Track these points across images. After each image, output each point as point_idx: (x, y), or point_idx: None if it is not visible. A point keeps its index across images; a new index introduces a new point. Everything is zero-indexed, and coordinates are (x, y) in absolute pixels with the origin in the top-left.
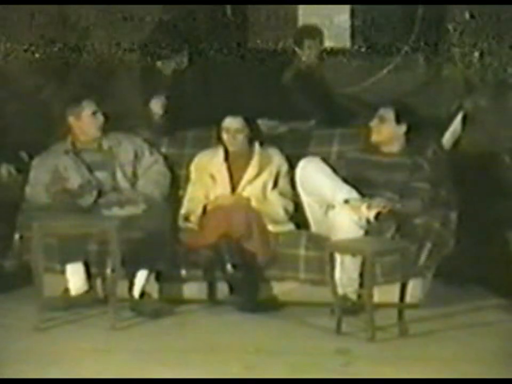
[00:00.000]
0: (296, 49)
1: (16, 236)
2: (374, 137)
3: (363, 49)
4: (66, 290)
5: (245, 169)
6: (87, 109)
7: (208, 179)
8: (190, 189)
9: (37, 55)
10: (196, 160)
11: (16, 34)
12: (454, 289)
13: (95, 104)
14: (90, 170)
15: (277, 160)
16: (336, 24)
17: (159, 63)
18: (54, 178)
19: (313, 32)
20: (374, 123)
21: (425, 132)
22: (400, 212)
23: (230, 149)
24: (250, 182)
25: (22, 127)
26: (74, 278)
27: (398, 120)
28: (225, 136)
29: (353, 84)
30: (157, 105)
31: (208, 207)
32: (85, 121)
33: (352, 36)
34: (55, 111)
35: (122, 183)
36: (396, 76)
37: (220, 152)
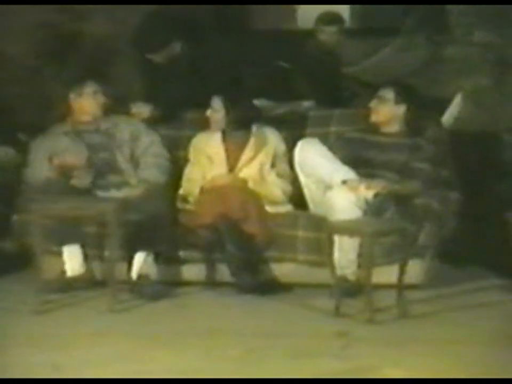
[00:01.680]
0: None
1: (15, 218)
2: (373, 118)
3: (362, 29)
4: (63, 272)
5: (242, 150)
6: (89, 87)
7: (206, 160)
8: (187, 169)
9: (36, 37)
10: (194, 141)
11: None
12: (454, 270)
13: (97, 85)
14: (90, 151)
15: (274, 140)
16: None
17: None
18: (52, 159)
19: (334, 19)
20: (373, 103)
21: (426, 112)
22: (400, 192)
23: (213, 128)
24: (247, 163)
25: (20, 108)
26: (71, 260)
27: (398, 101)
28: (209, 116)
29: (354, 64)
30: (138, 110)
31: (205, 187)
32: (86, 99)
33: (351, 15)
34: (55, 92)
35: (122, 164)
36: (396, 56)
37: (218, 134)
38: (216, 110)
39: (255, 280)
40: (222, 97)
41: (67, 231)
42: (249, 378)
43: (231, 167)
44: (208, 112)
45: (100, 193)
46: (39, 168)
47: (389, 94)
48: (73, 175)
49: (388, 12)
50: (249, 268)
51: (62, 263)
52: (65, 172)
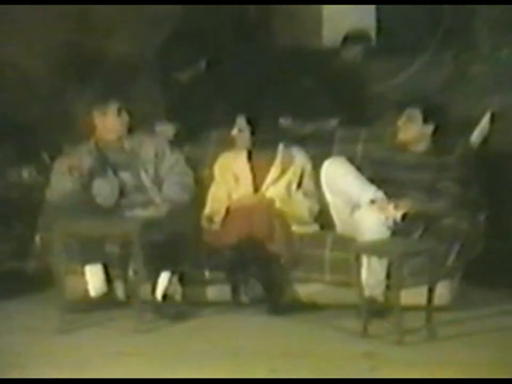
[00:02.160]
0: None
1: (37, 238)
2: (401, 136)
3: (389, 47)
4: (86, 292)
5: (268, 170)
6: (113, 106)
7: (231, 179)
8: (213, 189)
9: (58, 57)
10: (220, 160)
11: (38, 36)
12: (483, 291)
13: (120, 103)
14: (115, 171)
15: (301, 159)
16: (361, 21)
17: (174, 73)
18: (76, 180)
19: (361, 37)
20: (401, 122)
21: (453, 130)
22: (428, 212)
23: (240, 146)
24: (273, 182)
25: (44, 128)
26: (94, 279)
27: (425, 120)
28: (235, 134)
29: (379, 83)
30: (162, 129)
31: (231, 207)
32: (110, 118)
33: (378, 33)
34: (78, 111)
35: (146, 183)
36: (423, 74)
37: (244, 152)
38: (242, 129)
39: (280, 301)
40: (246, 116)
41: (90, 250)
42: (249, 378)
43: (257, 187)
44: (234, 132)
45: (124, 213)
46: (62, 185)
47: (416, 112)
48: (96, 193)
49: (414, 30)
50: (274, 289)
51: (85, 283)
52: (82, 176)
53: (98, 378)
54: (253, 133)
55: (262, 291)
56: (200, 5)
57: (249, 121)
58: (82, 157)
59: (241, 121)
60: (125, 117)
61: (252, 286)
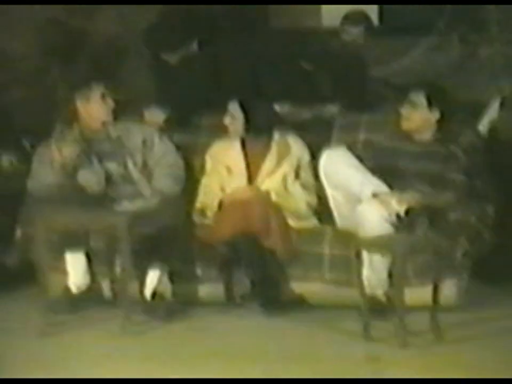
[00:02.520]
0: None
1: (18, 231)
2: (405, 125)
3: (392, 28)
4: (67, 288)
5: (263, 160)
6: (96, 91)
7: (224, 171)
8: (204, 180)
9: (40, 37)
10: (211, 149)
11: (18, 15)
12: (493, 290)
13: (104, 88)
14: (100, 160)
15: (298, 149)
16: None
17: (163, 55)
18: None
19: (360, 18)
20: (404, 109)
21: (460, 117)
22: (433, 205)
23: (232, 135)
24: (269, 174)
25: (24, 113)
26: (75, 270)
27: (431, 106)
28: (227, 122)
29: (382, 66)
30: (151, 116)
31: (225, 201)
32: (94, 104)
33: (381, 13)
34: (60, 96)
35: (134, 174)
36: (428, 57)
37: (237, 142)
38: (234, 116)
39: (276, 299)
40: (239, 102)
41: (72, 240)
42: (249, 378)
43: (252, 178)
44: (226, 119)
45: (111, 205)
46: (44, 176)
47: (420, 98)
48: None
49: (419, 10)
50: (269, 287)
51: (66, 278)
52: (67, 168)
53: (92, 378)
54: (246, 120)
55: (254, 288)
56: None
57: (242, 107)
58: (66, 145)
59: (234, 107)
60: (110, 102)
61: (244, 283)
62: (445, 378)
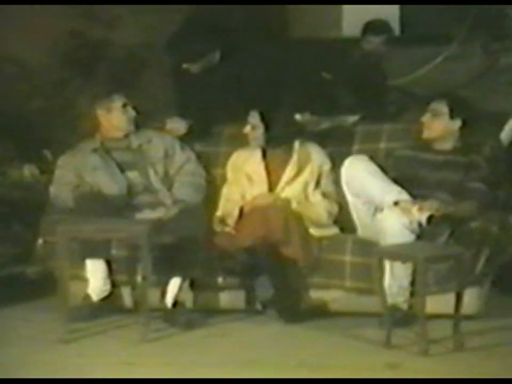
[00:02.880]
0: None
1: (40, 241)
2: (426, 134)
3: (412, 37)
4: (87, 296)
5: (284, 169)
6: (117, 101)
7: (245, 179)
8: (225, 189)
9: (61, 48)
10: (232, 159)
11: (39, 26)
12: None
13: (125, 98)
14: (121, 170)
15: (318, 158)
16: (384, 10)
17: (185, 65)
18: (80, 179)
19: (382, 28)
20: (426, 118)
21: (482, 127)
22: (455, 214)
23: (252, 144)
24: (289, 182)
25: (46, 123)
26: (95, 277)
27: (452, 115)
28: (248, 132)
29: (403, 75)
30: (173, 125)
31: (245, 208)
32: (115, 115)
33: (402, 22)
34: (81, 107)
35: (155, 183)
36: (449, 66)
37: (257, 151)
38: (255, 126)
39: (295, 308)
40: (260, 112)
41: (93, 247)
42: (249, 378)
43: (272, 187)
44: (246, 129)
45: (132, 214)
46: (65, 191)
47: (442, 107)
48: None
49: (440, 19)
50: (289, 295)
51: (86, 287)
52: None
53: (98, 379)
54: (267, 129)
55: (275, 296)
56: None
57: (263, 117)
58: (87, 156)
59: (254, 117)
60: (131, 112)
61: (265, 290)
62: (444, 378)
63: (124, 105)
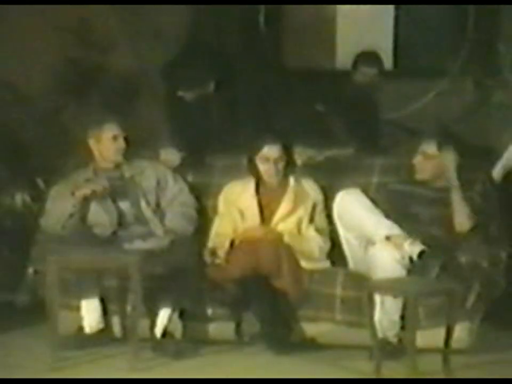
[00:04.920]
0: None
1: (30, 270)
2: (419, 176)
3: (407, 71)
4: (81, 328)
5: (278, 204)
6: (108, 131)
7: (237, 214)
8: (217, 222)
9: (56, 75)
10: (224, 192)
11: (34, 53)
12: (505, 335)
13: (117, 128)
14: (113, 200)
15: (313, 194)
16: (377, 42)
17: (180, 92)
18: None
19: (372, 60)
20: (416, 160)
21: (474, 163)
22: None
23: (268, 180)
24: (283, 218)
25: (39, 151)
26: (90, 314)
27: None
28: (263, 167)
29: (396, 110)
30: (167, 157)
31: (236, 240)
32: (105, 145)
33: (395, 56)
34: (75, 135)
35: (147, 213)
36: (441, 101)
37: (251, 185)
38: (276, 160)
39: (285, 341)
40: (283, 145)
41: (86, 284)
42: (249, 378)
43: (265, 221)
44: (264, 162)
45: (123, 244)
46: (59, 218)
47: (432, 148)
48: (94, 224)
49: (434, 54)
50: (278, 327)
51: (79, 318)
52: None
53: (97, 379)
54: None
55: (264, 327)
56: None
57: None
58: (80, 184)
59: (276, 150)
60: (121, 143)
61: (254, 323)
62: (444, 378)
63: (114, 136)
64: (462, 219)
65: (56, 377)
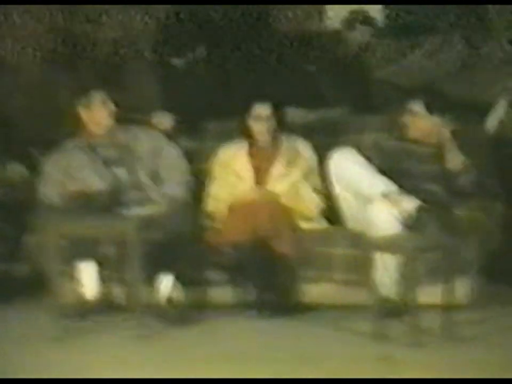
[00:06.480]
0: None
1: (28, 240)
2: (410, 133)
3: (393, 28)
4: (81, 295)
5: (272, 165)
6: (97, 97)
7: (232, 176)
8: (213, 187)
9: (44, 44)
10: (218, 156)
11: (21, 23)
12: (505, 289)
13: (104, 93)
14: (107, 166)
15: (306, 153)
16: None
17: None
18: (68, 177)
19: (364, 20)
20: (406, 119)
21: (467, 117)
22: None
23: (261, 139)
24: (278, 178)
25: (30, 121)
26: (88, 279)
27: (431, 111)
28: (255, 126)
29: (386, 67)
30: (160, 119)
31: (233, 203)
32: (96, 110)
33: (384, 13)
34: (65, 103)
35: (143, 179)
36: (430, 57)
37: (244, 147)
38: (266, 119)
39: (286, 301)
40: (273, 104)
41: (83, 248)
42: (249, 378)
43: (260, 183)
44: (255, 120)
45: (120, 211)
46: (54, 190)
47: (419, 107)
48: (90, 192)
49: (421, 10)
50: (280, 290)
51: (79, 286)
52: (81, 201)
53: (98, 378)
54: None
55: (264, 290)
56: None
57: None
58: (73, 154)
59: (265, 109)
60: (111, 107)
61: (254, 285)
62: (445, 378)
63: (103, 101)
64: (452, 158)
65: (58, 347)
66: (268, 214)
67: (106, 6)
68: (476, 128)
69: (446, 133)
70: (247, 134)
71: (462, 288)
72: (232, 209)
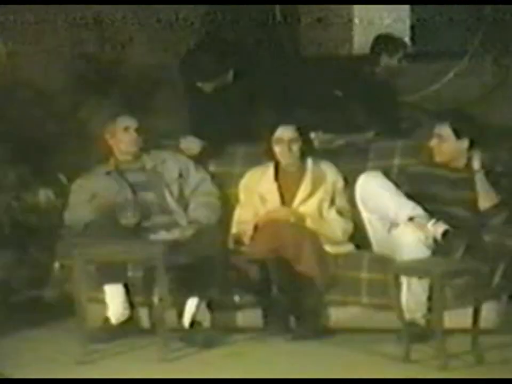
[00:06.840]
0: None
1: (56, 264)
2: (437, 158)
3: (423, 53)
4: (107, 319)
5: (298, 188)
6: (120, 124)
7: (258, 199)
8: (239, 211)
9: (74, 71)
10: (244, 180)
11: (52, 51)
12: None
13: (129, 120)
14: (134, 191)
15: (332, 176)
16: (394, 25)
17: (199, 84)
18: (94, 199)
19: (395, 45)
20: (433, 143)
21: (494, 142)
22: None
23: (283, 162)
24: (303, 201)
25: (61, 147)
26: (114, 302)
27: (458, 135)
28: (277, 148)
29: (415, 91)
30: (188, 145)
31: (259, 223)
32: (118, 138)
33: (412, 37)
34: (95, 130)
35: (171, 204)
36: (460, 82)
37: (270, 170)
38: (290, 141)
39: (313, 325)
40: (295, 126)
41: (111, 272)
42: (249, 378)
43: (286, 205)
44: (277, 143)
45: (148, 236)
46: (81, 212)
47: (446, 130)
48: (118, 215)
49: (451, 34)
50: (305, 314)
51: (106, 310)
52: (108, 212)
53: (97, 378)
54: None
55: (291, 313)
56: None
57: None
58: (101, 179)
59: (290, 131)
60: (133, 134)
61: (282, 311)
62: (445, 378)
63: (126, 128)
64: (485, 198)
65: (85, 370)
66: (292, 235)
67: (136, 31)
68: (505, 153)
69: (476, 164)
70: (270, 156)
71: (490, 313)
72: (258, 228)
